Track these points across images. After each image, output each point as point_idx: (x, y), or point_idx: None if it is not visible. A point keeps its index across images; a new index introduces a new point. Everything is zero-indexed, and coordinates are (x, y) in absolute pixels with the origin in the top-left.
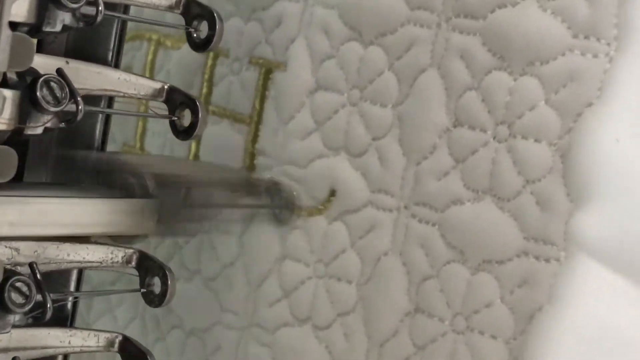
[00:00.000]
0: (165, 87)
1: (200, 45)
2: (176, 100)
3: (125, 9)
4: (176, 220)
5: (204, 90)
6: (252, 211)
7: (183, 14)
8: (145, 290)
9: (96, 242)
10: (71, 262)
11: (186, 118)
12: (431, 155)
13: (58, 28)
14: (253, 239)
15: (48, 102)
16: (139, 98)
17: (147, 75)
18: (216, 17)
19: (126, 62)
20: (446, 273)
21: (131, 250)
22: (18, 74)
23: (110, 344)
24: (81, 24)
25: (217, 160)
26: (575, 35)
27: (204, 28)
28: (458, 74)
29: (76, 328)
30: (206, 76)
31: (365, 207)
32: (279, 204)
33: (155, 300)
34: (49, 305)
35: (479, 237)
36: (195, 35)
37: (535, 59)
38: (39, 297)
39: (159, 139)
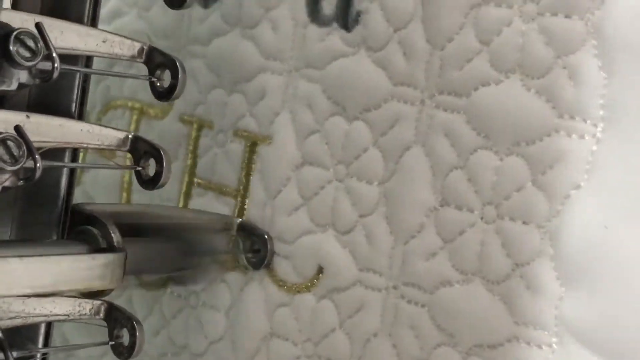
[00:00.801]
0: (130, 136)
1: (164, 95)
2: (140, 149)
3: (88, 60)
4: (144, 272)
5: (189, 161)
6: (224, 257)
7: (146, 62)
8: (114, 342)
9: (62, 295)
10: (37, 315)
11: (151, 167)
12: (419, 235)
13: (14, 87)
14: (240, 315)
15: (5, 162)
16: (103, 149)
17: None
18: (178, 66)
19: None
20: (436, 358)
21: (99, 302)
22: None
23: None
24: (37, 81)
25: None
26: (561, 116)
27: (167, 77)
28: (443, 152)
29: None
30: (190, 147)
31: (353, 286)
32: (252, 248)
33: (124, 352)
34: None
35: (469, 321)
36: (158, 84)
37: (520, 139)
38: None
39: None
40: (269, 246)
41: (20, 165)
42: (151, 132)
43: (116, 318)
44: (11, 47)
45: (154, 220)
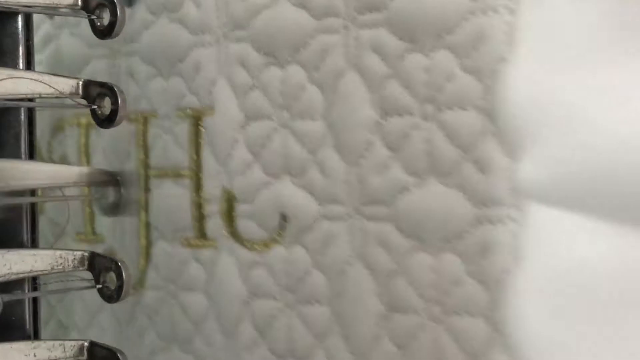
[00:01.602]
0: (80, 82)
1: (105, 33)
2: (93, 92)
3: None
4: None
5: (141, 156)
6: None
7: (84, 7)
8: (101, 286)
9: (43, 248)
10: (19, 273)
11: (106, 107)
12: (367, 152)
13: None
14: (218, 288)
15: None
16: (57, 97)
17: (84, 158)
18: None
19: (62, 151)
20: (411, 264)
21: (80, 252)
22: None
23: (79, 351)
24: None
25: (169, 220)
26: None
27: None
28: (375, 67)
29: (40, 340)
30: (140, 142)
31: (318, 223)
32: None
33: (113, 295)
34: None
35: (433, 220)
36: (98, 24)
37: (442, 31)
38: None
39: (108, 220)
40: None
41: None
42: (102, 140)
43: (100, 265)
44: None
45: None
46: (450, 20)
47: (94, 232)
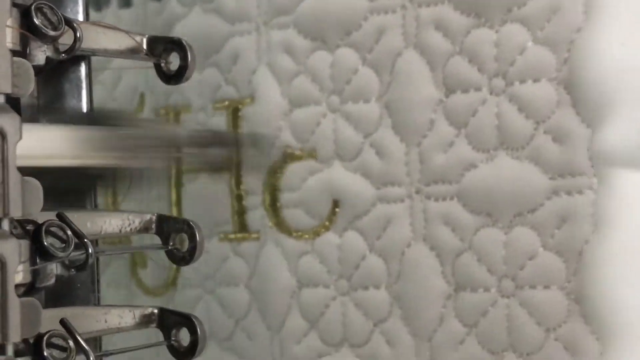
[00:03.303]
0: (144, 38)
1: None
2: (158, 46)
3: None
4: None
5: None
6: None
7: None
8: (171, 248)
9: (113, 210)
10: (89, 234)
11: (173, 62)
12: (430, 132)
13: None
14: (262, 281)
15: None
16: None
17: None
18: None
19: None
20: (479, 241)
21: (148, 216)
22: None
23: (149, 318)
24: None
25: (206, 214)
26: None
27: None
28: (437, 44)
29: (109, 305)
30: None
31: (374, 207)
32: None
33: (185, 256)
34: (90, 251)
35: (503, 194)
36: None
37: (512, 5)
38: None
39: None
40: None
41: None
42: None
43: (170, 226)
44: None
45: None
46: None
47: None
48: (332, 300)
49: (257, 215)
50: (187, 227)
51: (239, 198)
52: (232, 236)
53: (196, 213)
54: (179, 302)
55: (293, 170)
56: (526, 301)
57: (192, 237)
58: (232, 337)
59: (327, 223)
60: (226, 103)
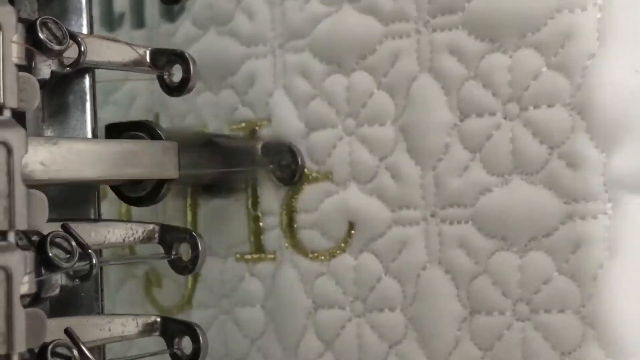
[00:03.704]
0: (147, 51)
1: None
2: (161, 59)
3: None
4: (198, 162)
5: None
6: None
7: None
8: (173, 257)
9: (116, 220)
10: (93, 244)
11: (176, 75)
12: (445, 156)
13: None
14: (278, 302)
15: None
16: (124, 64)
17: None
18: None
19: None
20: (494, 264)
21: (151, 226)
22: None
23: (151, 327)
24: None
25: (222, 234)
26: None
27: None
28: (451, 69)
29: (113, 314)
30: None
31: (389, 229)
32: (280, 164)
33: (188, 266)
34: (94, 262)
35: (518, 218)
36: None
37: (526, 30)
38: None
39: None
40: (298, 158)
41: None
42: None
43: (172, 236)
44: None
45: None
46: (536, 19)
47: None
48: (348, 321)
49: (273, 236)
50: (190, 237)
51: (256, 219)
52: (249, 257)
53: (212, 233)
54: (194, 321)
55: (310, 192)
56: (541, 325)
57: (194, 247)
58: (247, 357)
59: (343, 245)
60: (243, 124)
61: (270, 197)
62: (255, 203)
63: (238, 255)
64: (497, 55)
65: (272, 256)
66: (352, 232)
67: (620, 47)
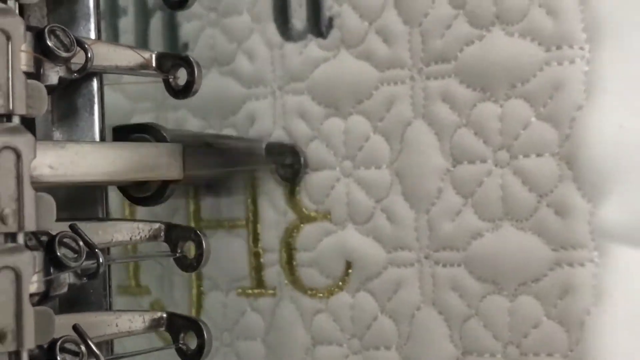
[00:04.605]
0: (153, 55)
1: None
2: (167, 63)
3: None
4: (201, 163)
5: (192, 207)
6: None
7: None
8: (178, 255)
9: (123, 219)
10: (100, 242)
11: (181, 78)
12: (439, 200)
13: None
14: (278, 336)
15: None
16: (131, 68)
17: (128, 210)
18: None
19: None
20: (485, 307)
21: (157, 225)
22: None
23: (157, 322)
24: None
25: (224, 269)
26: (548, 49)
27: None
28: (444, 116)
29: (120, 310)
30: (191, 193)
31: (385, 270)
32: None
33: (192, 263)
34: (101, 261)
35: (508, 263)
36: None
37: (516, 81)
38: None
39: (155, 271)
40: (301, 158)
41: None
42: None
43: (177, 235)
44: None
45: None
46: (525, 71)
47: (138, 284)
48: (345, 358)
49: (273, 272)
50: (194, 235)
51: (257, 255)
52: (250, 291)
53: (215, 267)
54: None
55: (308, 230)
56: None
57: (199, 245)
58: None
59: (340, 283)
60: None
61: (271, 233)
62: (256, 240)
63: (240, 290)
64: (488, 104)
65: (272, 292)
66: (350, 271)
67: (607, 101)
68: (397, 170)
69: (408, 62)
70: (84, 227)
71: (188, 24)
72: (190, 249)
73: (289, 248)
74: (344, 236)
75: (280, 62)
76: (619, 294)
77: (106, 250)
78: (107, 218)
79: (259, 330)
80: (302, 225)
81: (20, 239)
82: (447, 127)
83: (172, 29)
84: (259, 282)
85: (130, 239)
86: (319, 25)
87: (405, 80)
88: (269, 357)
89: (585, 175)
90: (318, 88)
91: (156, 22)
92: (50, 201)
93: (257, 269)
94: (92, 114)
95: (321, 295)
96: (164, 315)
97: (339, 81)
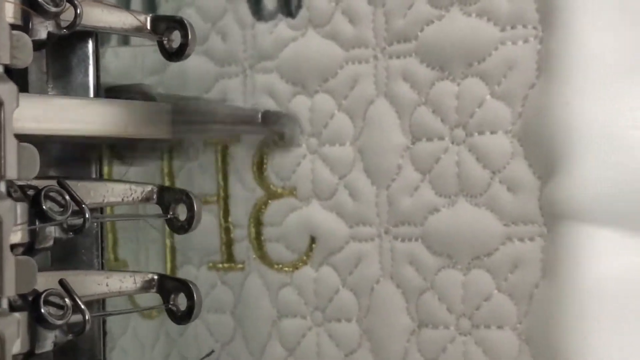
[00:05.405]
0: (148, 17)
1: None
2: (161, 25)
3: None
4: (189, 124)
5: (166, 184)
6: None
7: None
8: (170, 217)
9: (116, 180)
10: (93, 203)
11: (175, 40)
12: (398, 176)
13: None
14: (246, 309)
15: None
16: (126, 29)
17: None
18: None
19: None
20: (440, 281)
21: (149, 187)
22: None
23: (148, 283)
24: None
25: (196, 243)
26: (503, 29)
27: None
28: (405, 94)
29: (111, 270)
30: (165, 170)
31: (347, 244)
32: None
33: (184, 225)
34: (87, 216)
35: (463, 238)
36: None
37: (473, 60)
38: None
39: (132, 245)
40: (297, 125)
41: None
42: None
43: (169, 197)
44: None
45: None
46: (481, 50)
47: (116, 258)
48: (308, 330)
49: (242, 247)
50: (186, 198)
51: (227, 230)
52: (220, 265)
53: (187, 242)
54: (170, 326)
55: (275, 206)
56: (481, 340)
57: (190, 207)
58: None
59: (305, 258)
60: (215, 140)
61: (240, 209)
62: (227, 215)
63: (211, 264)
64: (446, 82)
65: (241, 266)
66: (314, 245)
67: (555, 79)
68: (359, 147)
69: (372, 42)
70: (76, 186)
71: (166, 3)
72: (182, 211)
73: (257, 223)
74: (309, 212)
75: (251, 42)
76: (566, 268)
77: (99, 211)
78: (99, 178)
79: (229, 304)
80: (269, 201)
81: (2, 187)
82: (407, 106)
83: (151, 8)
84: (229, 257)
85: (123, 200)
86: (288, 5)
87: (369, 59)
88: (238, 329)
89: (535, 152)
90: (286, 67)
91: (136, 1)
92: (33, 152)
93: (228, 243)
94: (86, 75)
95: (287, 269)
96: (155, 276)
97: (306, 60)
